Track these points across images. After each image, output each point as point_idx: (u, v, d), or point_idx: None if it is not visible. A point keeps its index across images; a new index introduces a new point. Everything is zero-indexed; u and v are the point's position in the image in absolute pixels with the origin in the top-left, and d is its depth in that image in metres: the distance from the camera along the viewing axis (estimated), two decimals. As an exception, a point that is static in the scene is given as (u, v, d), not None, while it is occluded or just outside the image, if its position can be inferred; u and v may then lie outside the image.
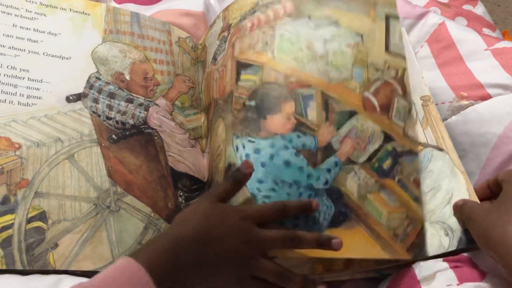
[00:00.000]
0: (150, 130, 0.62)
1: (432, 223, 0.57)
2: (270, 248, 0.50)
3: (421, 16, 0.82)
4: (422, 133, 0.64)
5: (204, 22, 0.79)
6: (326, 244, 0.50)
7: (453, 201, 0.57)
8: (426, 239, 0.55)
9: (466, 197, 0.58)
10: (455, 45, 0.76)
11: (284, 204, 0.52)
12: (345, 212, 0.55)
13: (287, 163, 0.55)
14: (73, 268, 0.50)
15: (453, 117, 0.68)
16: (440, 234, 0.56)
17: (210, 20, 0.82)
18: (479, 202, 0.57)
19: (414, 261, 0.54)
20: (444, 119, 0.69)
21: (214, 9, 0.84)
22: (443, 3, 0.92)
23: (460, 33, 0.77)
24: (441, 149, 0.63)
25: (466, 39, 0.76)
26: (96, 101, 0.61)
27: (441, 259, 0.53)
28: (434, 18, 0.81)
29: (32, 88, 0.59)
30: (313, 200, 0.53)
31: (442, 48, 0.77)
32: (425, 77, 0.72)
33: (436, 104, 0.69)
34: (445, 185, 0.59)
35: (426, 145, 0.63)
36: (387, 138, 0.59)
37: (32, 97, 0.58)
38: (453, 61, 0.75)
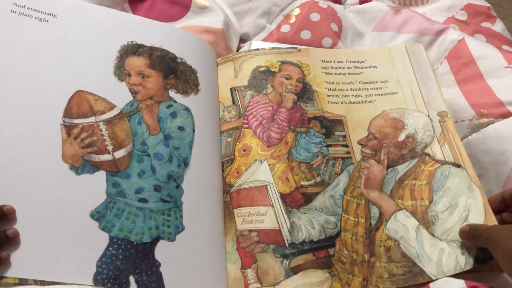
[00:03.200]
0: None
1: (449, 242, 0.56)
2: None
3: (440, 32, 0.82)
4: (439, 150, 0.65)
5: (224, 39, 0.81)
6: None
7: (470, 218, 0.57)
8: (443, 259, 0.55)
9: (482, 213, 0.58)
10: (475, 62, 0.76)
11: None
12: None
13: None
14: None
15: (473, 134, 0.68)
16: (457, 253, 0.55)
17: (230, 37, 0.83)
18: (495, 219, 0.57)
19: (431, 280, 0.54)
20: (463, 137, 0.68)
21: (234, 26, 0.85)
22: (461, 20, 0.92)
23: (480, 49, 0.77)
24: (458, 166, 0.63)
25: (486, 56, 0.75)
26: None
27: (463, 280, 0.52)
28: (453, 34, 0.80)
29: None
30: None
31: (462, 64, 0.76)
32: (444, 94, 0.72)
33: (455, 122, 0.69)
34: (463, 202, 0.59)
35: (443, 162, 0.63)
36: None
37: None
38: (473, 78, 0.74)
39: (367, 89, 0.73)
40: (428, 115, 0.69)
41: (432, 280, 0.54)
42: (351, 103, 0.71)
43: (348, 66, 0.75)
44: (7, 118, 0.54)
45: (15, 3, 0.61)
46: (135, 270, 0.52)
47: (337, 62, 0.76)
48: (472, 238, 0.55)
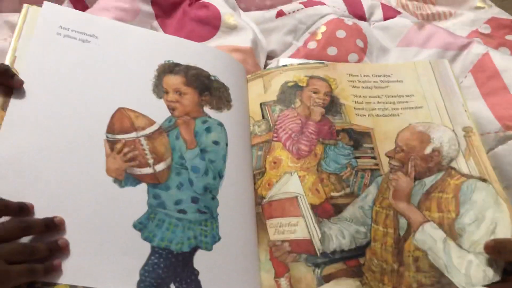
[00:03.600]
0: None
1: (476, 254, 0.57)
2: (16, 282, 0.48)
3: (464, 47, 0.83)
4: (465, 164, 0.66)
5: (252, 57, 0.84)
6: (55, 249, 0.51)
7: (497, 231, 0.58)
8: (471, 271, 0.56)
9: (510, 226, 0.59)
10: (500, 74, 0.77)
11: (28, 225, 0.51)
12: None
13: None
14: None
15: (499, 147, 0.68)
16: (485, 266, 0.56)
17: (258, 54, 0.86)
18: None
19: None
20: (490, 149, 0.69)
21: (261, 44, 0.89)
22: (485, 34, 0.93)
23: (505, 62, 0.78)
24: (484, 180, 0.64)
25: (511, 68, 0.77)
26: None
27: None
28: (478, 48, 0.82)
29: None
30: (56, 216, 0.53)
31: (486, 77, 0.78)
32: (469, 107, 0.73)
33: (481, 135, 0.70)
34: (489, 215, 0.60)
35: (469, 176, 0.64)
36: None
37: None
38: (497, 91, 0.75)
39: (393, 103, 0.74)
40: (453, 130, 0.70)
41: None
42: (378, 116, 0.73)
43: (374, 80, 0.77)
44: (55, 135, 0.58)
45: (61, 26, 0.65)
46: (175, 278, 0.54)
47: (364, 76, 0.78)
48: (497, 253, 0.56)
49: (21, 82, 0.59)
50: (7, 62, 0.60)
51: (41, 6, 0.66)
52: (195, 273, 0.55)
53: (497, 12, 0.98)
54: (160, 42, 0.72)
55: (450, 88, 0.75)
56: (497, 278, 0.55)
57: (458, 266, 0.57)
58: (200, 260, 0.56)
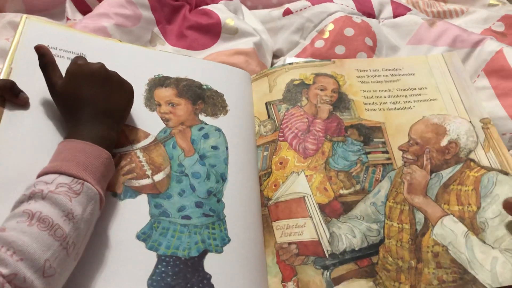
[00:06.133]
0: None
1: (502, 251, 0.54)
2: None
3: (477, 44, 0.81)
4: (484, 156, 0.63)
5: (255, 57, 0.82)
6: None
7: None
8: (497, 268, 0.52)
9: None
10: (515, 74, 0.74)
11: None
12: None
13: None
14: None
15: (517, 147, 0.66)
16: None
17: (263, 54, 0.85)
18: None
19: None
20: (506, 150, 0.67)
21: (266, 43, 0.87)
22: (498, 32, 0.91)
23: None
24: (506, 173, 0.61)
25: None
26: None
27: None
28: (491, 45, 0.79)
29: None
30: None
31: (501, 78, 0.75)
32: (485, 108, 0.70)
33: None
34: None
35: (489, 169, 0.61)
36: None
37: None
38: (512, 92, 0.72)
39: (405, 96, 0.72)
40: (470, 121, 0.67)
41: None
42: (389, 109, 0.71)
43: (385, 74, 0.75)
44: (50, 153, 0.54)
45: (49, 46, 0.62)
46: (186, 284, 0.52)
47: (373, 70, 0.76)
48: None
49: (27, 100, 0.57)
50: (3, 74, 0.58)
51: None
52: (207, 277, 0.53)
53: (511, 9, 0.95)
54: (148, 58, 0.71)
55: (465, 80, 0.73)
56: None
57: (482, 262, 0.53)
58: (211, 263, 0.54)
